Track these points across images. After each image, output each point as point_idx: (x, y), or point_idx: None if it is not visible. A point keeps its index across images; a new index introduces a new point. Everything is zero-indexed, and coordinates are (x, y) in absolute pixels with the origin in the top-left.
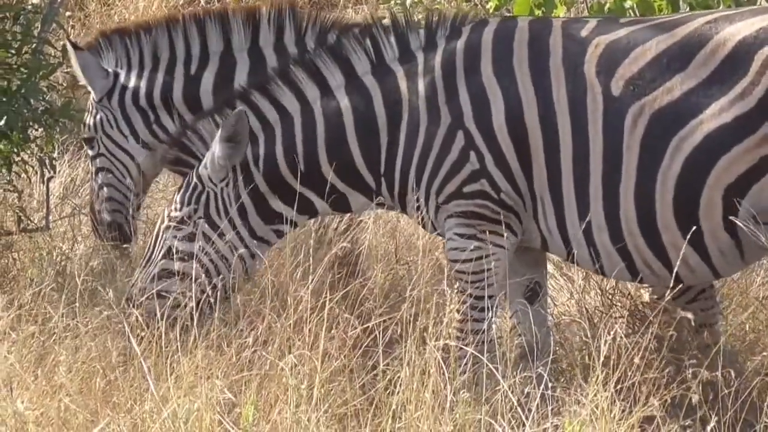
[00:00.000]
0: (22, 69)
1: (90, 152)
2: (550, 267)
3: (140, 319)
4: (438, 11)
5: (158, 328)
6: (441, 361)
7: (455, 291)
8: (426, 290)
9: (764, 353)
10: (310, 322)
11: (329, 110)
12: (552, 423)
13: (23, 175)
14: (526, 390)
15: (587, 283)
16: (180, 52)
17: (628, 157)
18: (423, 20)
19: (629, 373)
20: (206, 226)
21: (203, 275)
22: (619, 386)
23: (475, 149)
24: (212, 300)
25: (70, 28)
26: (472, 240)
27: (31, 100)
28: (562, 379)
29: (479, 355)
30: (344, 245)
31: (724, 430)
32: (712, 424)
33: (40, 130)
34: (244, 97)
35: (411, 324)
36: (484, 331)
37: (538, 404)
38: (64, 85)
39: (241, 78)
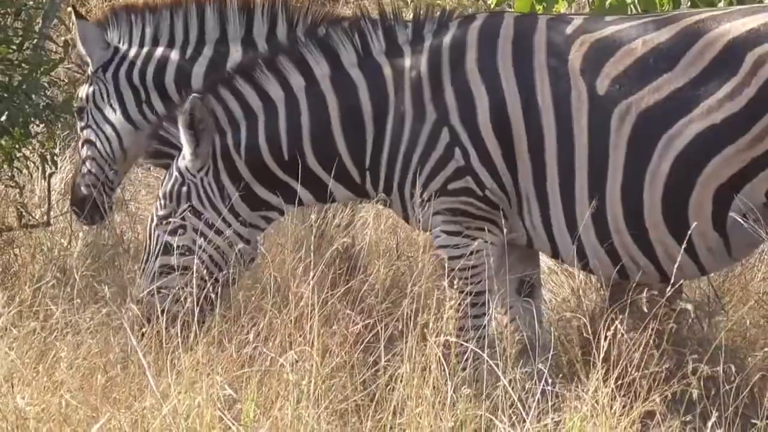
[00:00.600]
0: (23, 65)
1: (79, 123)
2: (550, 262)
3: (140, 315)
4: (426, 6)
5: (158, 324)
6: (442, 358)
7: (453, 288)
8: (427, 286)
9: (765, 349)
10: (311, 318)
11: (314, 100)
12: (552, 419)
13: (24, 171)
14: (526, 386)
15: (587, 279)
16: (178, 35)
17: (615, 156)
18: (411, 15)
19: (629, 369)
20: (192, 217)
21: (200, 267)
22: (619, 382)
23: (460, 146)
24: (212, 290)
25: (71, 24)
26: (459, 236)
27: (33, 96)
28: (562, 375)
29: (479, 351)
30: (345, 241)
31: (725, 425)
32: (713, 419)
33: (41, 126)
34: (228, 83)
35: (412, 320)
36: (481, 327)
37: (538, 400)
38: (66, 80)
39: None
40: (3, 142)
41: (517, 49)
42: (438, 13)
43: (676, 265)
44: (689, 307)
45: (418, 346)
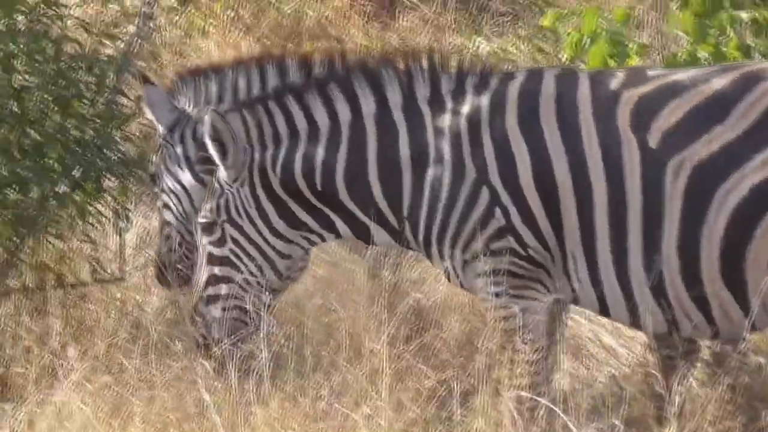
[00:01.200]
0: (96, 119)
1: (156, 189)
2: None
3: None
4: (470, 59)
5: (233, 377)
6: (515, 412)
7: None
8: (499, 342)
9: None
10: (384, 373)
11: (355, 136)
12: None
13: (98, 225)
14: None
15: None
16: (241, 92)
17: (670, 210)
18: (455, 63)
19: (703, 424)
20: (231, 228)
21: (239, 277)
22: None
23: (501, 205)
24: (253, 302)
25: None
26: (506, 297)
27: (106, 151)
28: (635, 431)
29: (553, 406)
30: (418, 296)
31: None
32: None
33: (114, 180)
34: (279, 99)
35: (485, 375)
36: (541, 384)
37: None
38: (139, 135)
39: None
40: (76, 197)
41: (560, 106)
42: (480, 66)
43: (749, 321)
44: (762, 360)
45: (491, 401)
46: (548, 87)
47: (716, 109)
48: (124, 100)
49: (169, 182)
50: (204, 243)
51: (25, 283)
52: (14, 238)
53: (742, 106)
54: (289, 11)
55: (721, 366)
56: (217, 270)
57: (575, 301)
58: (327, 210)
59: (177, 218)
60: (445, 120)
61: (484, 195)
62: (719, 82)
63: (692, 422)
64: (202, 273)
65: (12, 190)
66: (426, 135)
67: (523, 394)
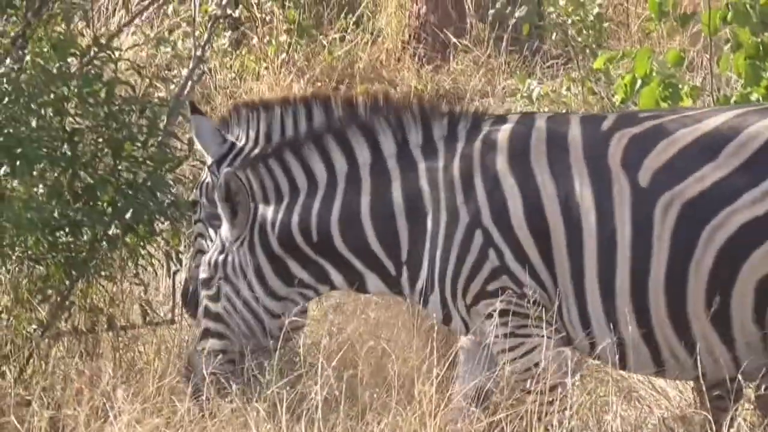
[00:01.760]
0: (148, 162)
1: (194, 217)
2: None
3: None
4: (461, 105)
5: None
6: None
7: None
8: (551, 383)
9: None
10: (435, 415)
11: (350, 186)
12: None
13: (149, 268)
14: None
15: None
16: (288, 130)
17: (658, 248)
18: (446, 109)
19: None
20: (226, 286)
21: (230, 335)
22: None
23: (494, 246)
24: (238, 362)
25: None
26: (513, 338)
27: (157, 194)
28: None
29: None
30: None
31: None
32: None
33: (166, 223)
34: (278, 155)
35: (536, 416)
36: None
37: None
38: (191, 178)
39: None
40: (128, 240)
41: (551, 147)
42: (472, 111)
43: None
44: None
45: None
46: (539, 129)
47: (707, 148)
48: (176, 143)
49: (208, 212)
50: (202, 296)
51: (77, 325)
52: (66, 281)
53: (733, 145)
54: (341, 54)
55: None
56: (211, 325)
57: (569, 341)
58: (323, 261)
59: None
60: (438, 166)
61: (478, 238)
62: (711, 122)
63: None
64: (200, 325)
65: (64, 233)
66: (419, 184)
67: None
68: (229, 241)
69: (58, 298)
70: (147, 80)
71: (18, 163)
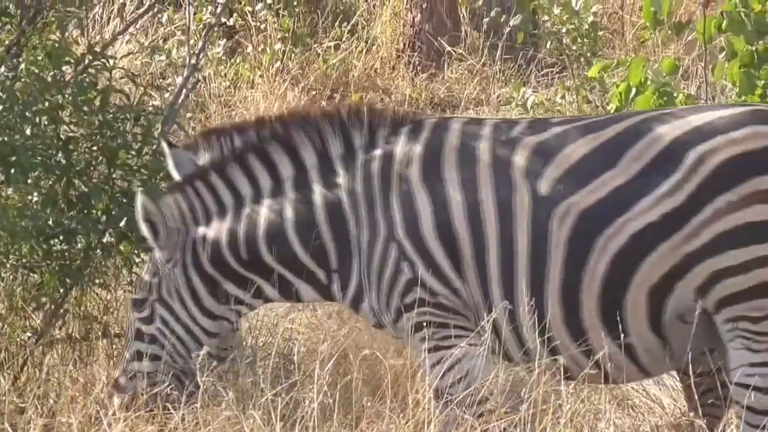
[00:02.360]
0: (142, 170)
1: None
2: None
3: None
4: (379, 109)
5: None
6: None
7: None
8: (545, 391)
9: None
10: (429, 423)
11: (275, 201)
12: None
13: None
14: None
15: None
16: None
17: (554, 257)
18: (367, 116)
19: None
20: (160, 308)
21: (166, 356)
22: None
23: (408, 259)
24: (173, 383)
25: (190, 130)
26: (439, 351)
27: None
28: None
29: None
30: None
31: None
32: None
33: None
34: (203, 177)
35: (530, 425)
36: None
37: None
38: None
39: None
40: (122, 248)
41: (462, 156)
42: (391, 117)
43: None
44: None
45: None
46: (452, 137)
47: (609, 154)
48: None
49: None
50: (133, 318)
51: (71, 333)
52: (60, 289)
53: (632, 152)
54: (336, 62)
55: None
56: (143, 347)
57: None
58: (254, 276)
59: None
60: (358, 178)
61: (393, 251)
62: (614, 129)
63: None
64: (130, 347)
65: (58, 241)
66: (341, 194)
67: None
68: (162, 263)
69: (53, 306)
70: (141, 89)
71: (12, 171)
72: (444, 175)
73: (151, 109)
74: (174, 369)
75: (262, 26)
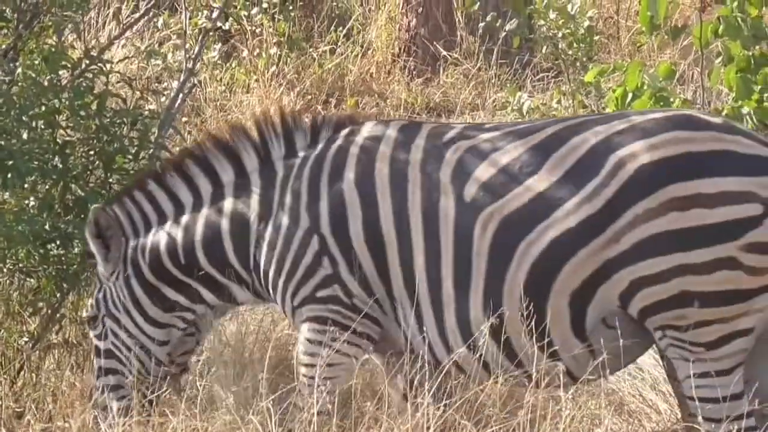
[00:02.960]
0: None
1: None
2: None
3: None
4: (325, 114)
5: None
6: None
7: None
8: (543, 397)
9: None
10: (428, 428)
11: (213, 205)
12: None
13: None
14: None
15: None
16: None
17: (477, 263)
18: (309, 119)
19: None
20: (110, 321)
21: (123, 369)
22: None
23: (329, 255)
24: (134, 394)
25: (187, 134)
26: (320, 347)
27: None
28: None
29: None
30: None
31: None
32: None
33: None
34: (142, 187)
35: (528, 430)
36: None
37: None
38: None
39: None
40: None
41: (395, 159)
42: (334, 119)
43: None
44: None
45: None
46: (387, 141)
47: (533, 160)
48: (167, 155)
49: None
50: (91, 336)
51: (67, 337)
52: (57, 294)
53: (555, 157)
54: (331, 67)
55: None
56: (103, 362)
57: (412, 349)
58: (193, 282)
59: None
60: (292, 175)
61: (314, 244)
62: (541, 135)
63: None
64: (94, 364)
65: (55, 246)
66: (274, 191)
67: None
68: (105, 278)
69: (49, 311)
70: (138, 93)
71: (9, 175)
72: (375, 178)
73: (147, 113)
74: (135, 380)
75: (258, 30)
